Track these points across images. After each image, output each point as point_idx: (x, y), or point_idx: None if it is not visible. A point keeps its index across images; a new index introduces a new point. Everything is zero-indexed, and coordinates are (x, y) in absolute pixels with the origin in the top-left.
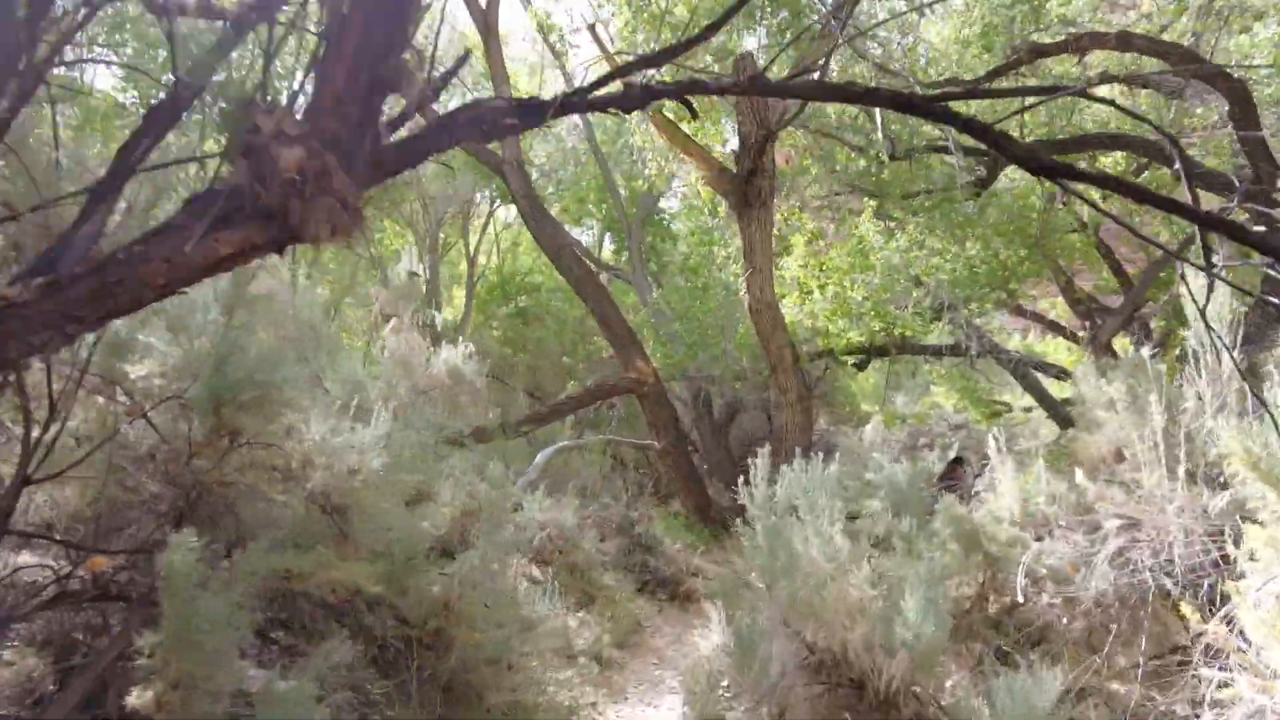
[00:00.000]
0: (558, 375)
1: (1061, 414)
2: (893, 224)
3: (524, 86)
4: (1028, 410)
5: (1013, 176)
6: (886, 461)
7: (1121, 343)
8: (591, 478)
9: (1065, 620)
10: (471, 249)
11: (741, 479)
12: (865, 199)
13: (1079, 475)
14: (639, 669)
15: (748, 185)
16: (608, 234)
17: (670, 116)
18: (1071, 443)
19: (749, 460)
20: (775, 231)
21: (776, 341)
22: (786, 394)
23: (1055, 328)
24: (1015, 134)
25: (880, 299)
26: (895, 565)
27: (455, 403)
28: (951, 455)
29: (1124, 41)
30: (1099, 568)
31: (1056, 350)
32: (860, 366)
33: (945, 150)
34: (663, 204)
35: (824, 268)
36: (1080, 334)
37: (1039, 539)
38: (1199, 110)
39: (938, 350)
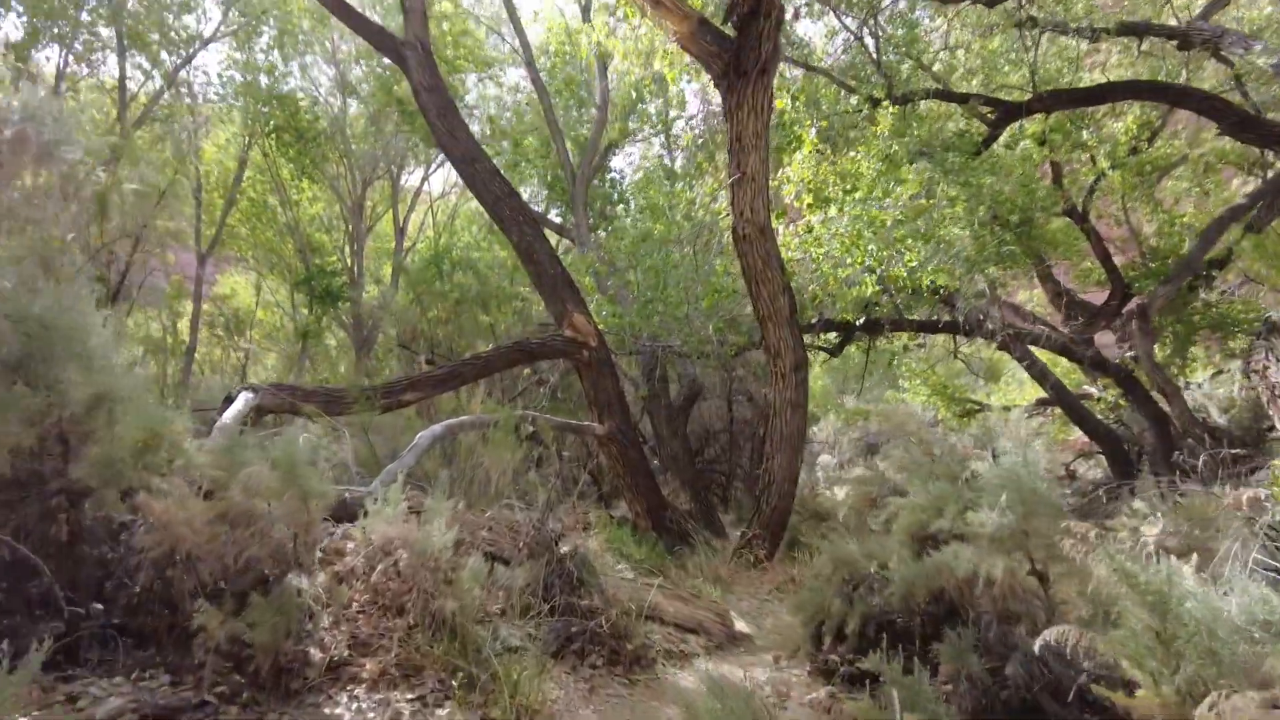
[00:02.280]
0: (482, 338)
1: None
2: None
3: None
4: (1006, 409)
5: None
6: (1010, 446)
7: None
8: (503, 470)
9: None
10: (400, 220)
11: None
12: (883, 106)
13: None
14: None
15: (742, 37)
16: (556, 210)
17: None
18: None
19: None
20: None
21: (768, 284)
22: (779, 360)
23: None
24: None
25: (895, 246)
26: None
27: None
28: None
29: None
30: None
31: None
32: (834, 352)
33: (950, 97)
34: (617, 167)
35: (846, 174)
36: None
37: None
38: None
39: (934, 326)
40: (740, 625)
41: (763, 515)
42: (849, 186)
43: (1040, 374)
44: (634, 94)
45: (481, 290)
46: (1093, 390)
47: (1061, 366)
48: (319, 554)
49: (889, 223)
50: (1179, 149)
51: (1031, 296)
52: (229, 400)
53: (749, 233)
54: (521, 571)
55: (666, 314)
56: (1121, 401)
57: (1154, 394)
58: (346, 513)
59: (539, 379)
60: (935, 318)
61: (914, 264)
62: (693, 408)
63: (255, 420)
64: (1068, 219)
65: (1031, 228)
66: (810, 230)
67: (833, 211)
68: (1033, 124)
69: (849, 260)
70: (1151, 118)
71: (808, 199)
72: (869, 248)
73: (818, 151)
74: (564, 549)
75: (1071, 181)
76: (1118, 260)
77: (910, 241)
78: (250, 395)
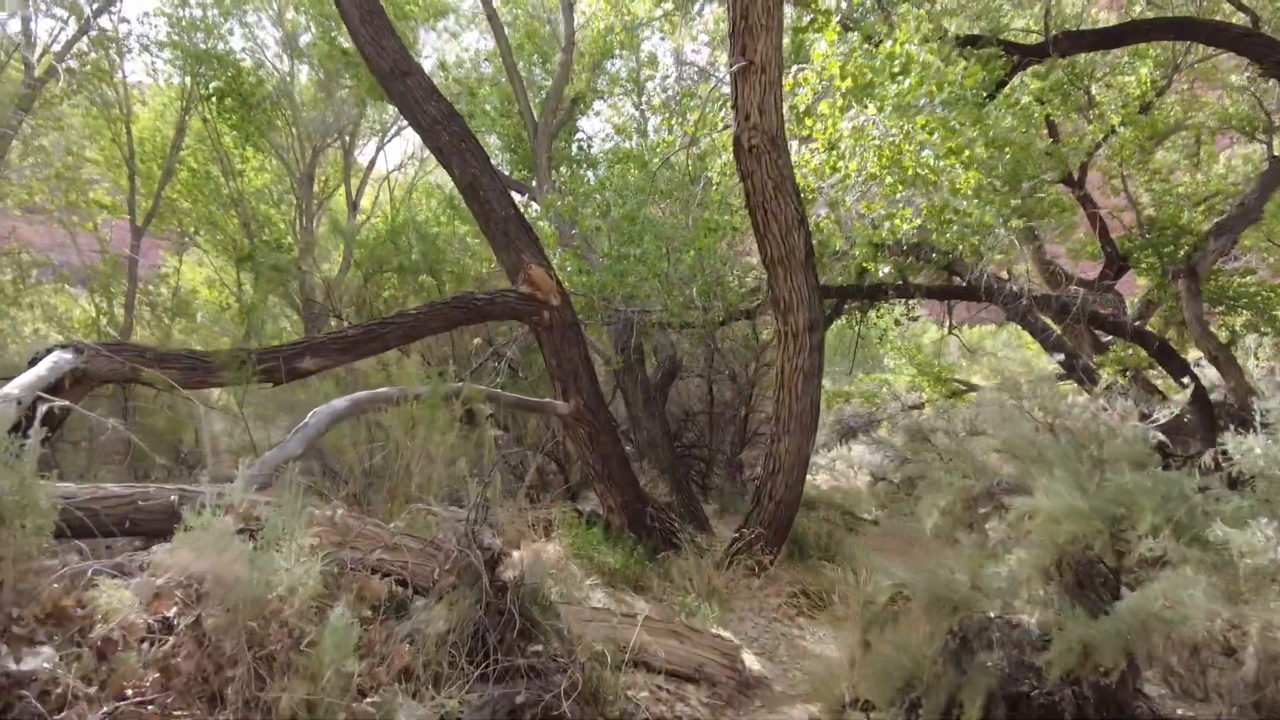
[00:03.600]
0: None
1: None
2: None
3: None
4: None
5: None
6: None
7: None
8: (430, 460)
9: None
10: (354, 193)
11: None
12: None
13: None
14: None
15: None
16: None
17: None
18: None
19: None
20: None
21: (779, 216)
22: (790, 317)
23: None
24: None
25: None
26: None
27: None
28: None
29: None
30: None
31: (986, 337)
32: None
33: (961, 41)
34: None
35: (891, 56)
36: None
37: None
38: None
39: (952, 292)
40: (752, 662)
41: (764, 511)
42: (896, 69)
43: (1055, 345)
44: (603, 42)
45: (434, 260)
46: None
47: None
48: (78, 610)
49: (936, 133)
50: (1179, 114)
51: (1023, 271)
52: (34, 363)
53: (756, 144)
54: (441, 611)
55: (645, 272)
56: (1122, 378)
57: (1194, 366)
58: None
59: (495, 351)
60: (950, 283)
61: (968, 190)
62: (670, 386)
63: (80, 391)
64: (1060, 186)
65: (1035, 191)
66: (834, 148)
67: (871, 111)
68: (1032, 80)
69: (888, 179)
70: (1157, 77)
71: (839, 98)
72: (913, 164)
73: (843, 35)
74: (504, 573)
75: (1068, 145)
76: (1115, 233)
77: (956, 167)
78: (66, 356)
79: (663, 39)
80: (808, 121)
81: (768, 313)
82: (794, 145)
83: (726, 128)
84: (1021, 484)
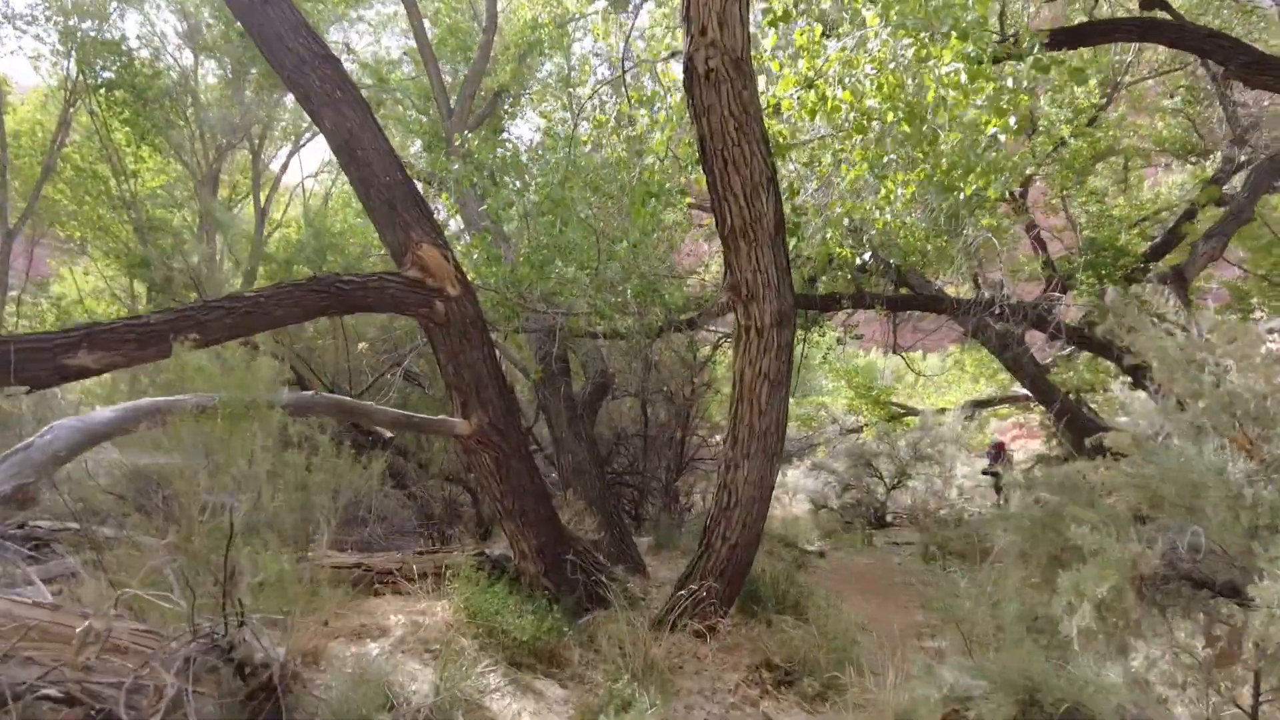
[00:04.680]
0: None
1: None
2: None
3: None
4: (942, 412)
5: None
6: None
7: None
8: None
9: None
10: (263, 200)
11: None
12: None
13: None
14: None
15: None
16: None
17: None
18: None
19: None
20: None
21: (744, 166)
22: (752, 307)
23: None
24: None
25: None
26: None
27: None
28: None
29: None
30: None
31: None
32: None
33: None
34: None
35: None
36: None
37: None
38: None
39: (913, 302)
40: None
41: (715, 556)
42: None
43: (1015, 364)
44: (530, 34)
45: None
46: (1026, 392)
47: (993, 369)
48: None
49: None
50: (1116, 136)
51: (959, 292)
52: None
53: (715, 66)
54: None
55: (571, 266)
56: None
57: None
58: None
59: (396, 361)
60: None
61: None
62: (601, 404)
63: None
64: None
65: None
66: (811, 86)
67: (871, 20)
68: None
69: (885, 110)
70: (1098, 96)
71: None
72: (935, 89)
73: None
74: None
75: (1021, 157)
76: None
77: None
78: None
79: (595, 41)
80: (774, 65)
81: (711, 325)
82: (761, 83)
83: (675, 54)
84: (1222, 550)
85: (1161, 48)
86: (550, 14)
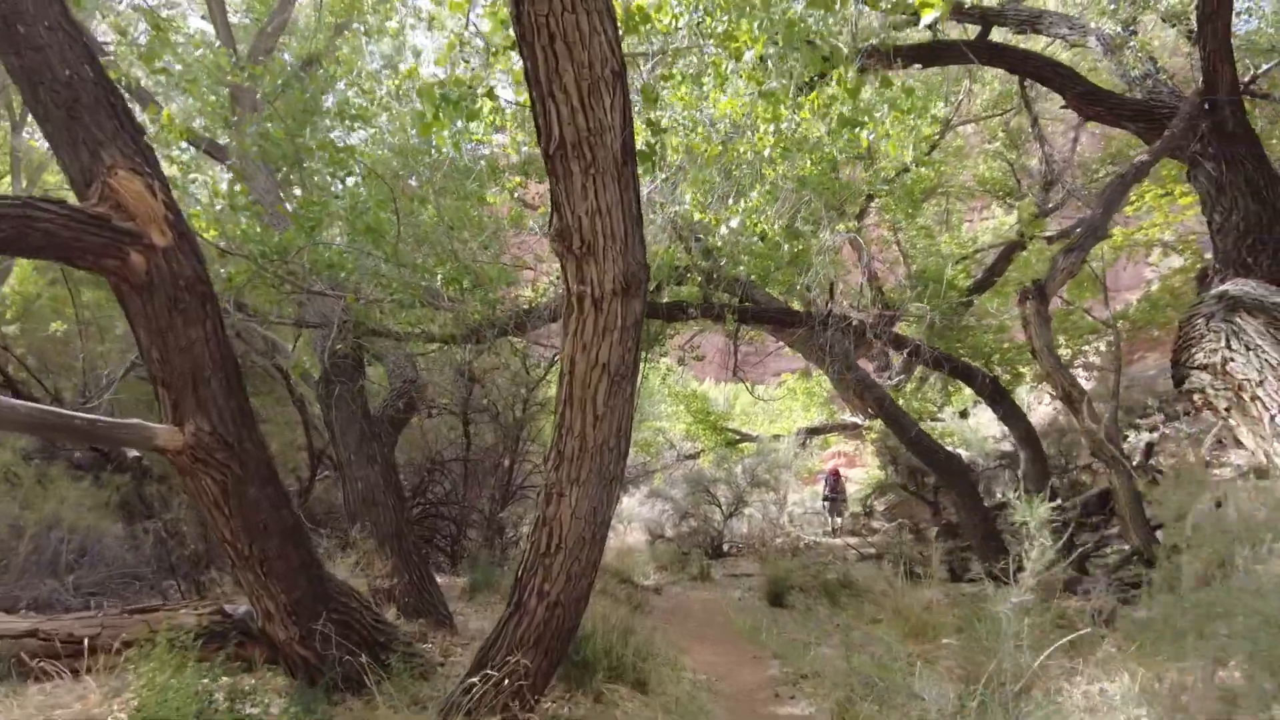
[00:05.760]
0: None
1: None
2: None
3: None
4: (776, 438)
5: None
6: None
7: None
8: None
9: None
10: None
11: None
12: None
13: None
14: None
15: None
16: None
17: None
18: None
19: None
20: None
21: (577, 53)
22: (587, 268)
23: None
24: None
25: None
26: None
27: None
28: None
29: None
30: None
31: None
32: None
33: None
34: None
35: None
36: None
37: None
38: None
39: (765, 315)
40: None
41: (529, 618)
42: None
43: (862, 387)
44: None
45: None
46: (856, 418)
47: (824, 397)
48: None
49: None
50: (944, 174)
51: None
52: None
53: None
54: None
55: (358, 230)
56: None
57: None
58: None
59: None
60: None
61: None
62: (407, 422)
63: None
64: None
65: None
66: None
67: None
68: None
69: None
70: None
71: None
72: None
73: None
74: None
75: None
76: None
77: None
78: None
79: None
80: None
81: (545, 340)
82: None
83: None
84: None
85: (982, 95)
86: None
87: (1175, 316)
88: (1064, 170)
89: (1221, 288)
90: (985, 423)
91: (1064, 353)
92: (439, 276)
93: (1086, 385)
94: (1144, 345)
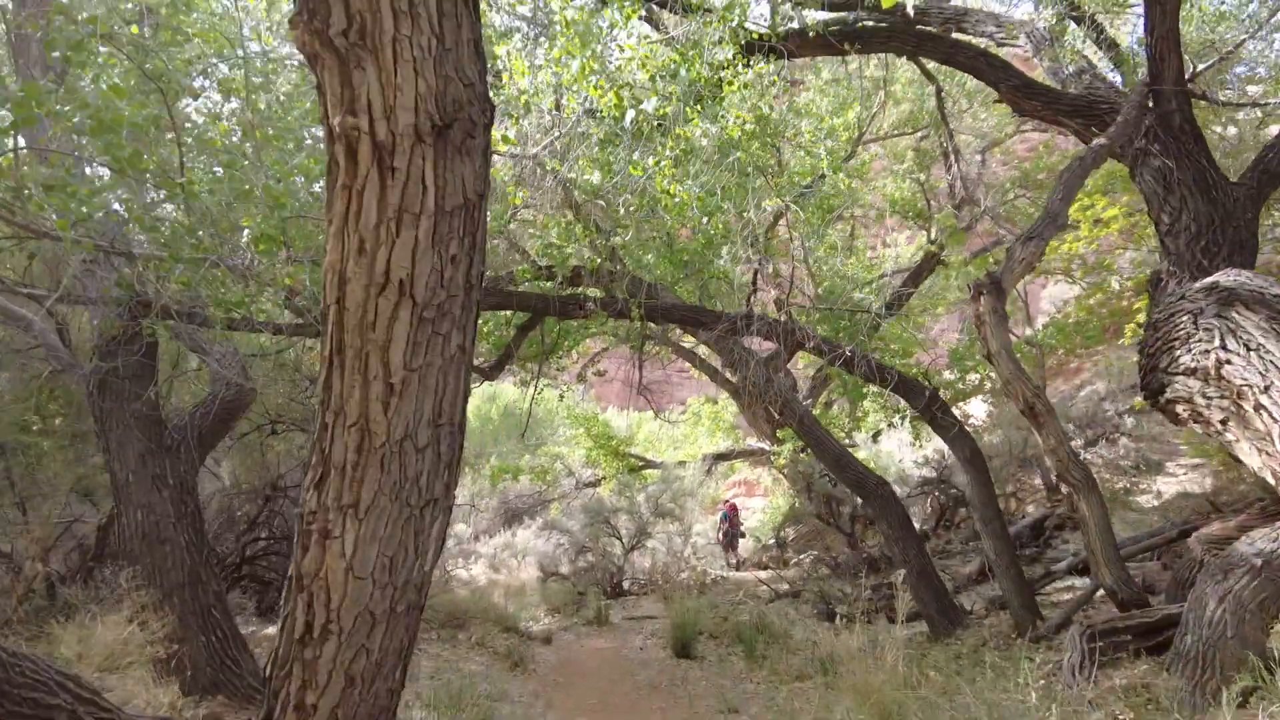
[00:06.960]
0: None
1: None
2: None
3: None
4: (681, 464)
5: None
6: None
7: None
8: None
9: None
10: None
11: None
12: None
13: None
14: None
15: None
16: None
17: None
18: None
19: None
20: None
21: None
22: (366, 72)
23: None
24: None
25: None
26: None
27: None
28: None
29: None
30: None
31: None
32: (489, 373)
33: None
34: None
35: None
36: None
37: None
38: None
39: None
40: None
41: None
42: None
43: (782, 401)
44: None
45: None
46: (763, 444)
47: (730, 423)
48: None
49: None
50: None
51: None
52: None
53: None
54: None
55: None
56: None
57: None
58: None
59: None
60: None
61: None
62: (222, 435)
63: None
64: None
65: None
66: None
67: None
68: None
69: None
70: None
71: None
72: None
73: None
74: None
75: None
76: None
77: None
78: None
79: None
80: None
81: None
82: None
83: None
84: None
85: (891, 115)
86: None
87: (1081, 342)
88: (975, 189)
89: (1211, 279)
90: (897, 447)
91: (972, 378)
92: (248, 234)
93: (990, 411)
94: (1050, 372)
